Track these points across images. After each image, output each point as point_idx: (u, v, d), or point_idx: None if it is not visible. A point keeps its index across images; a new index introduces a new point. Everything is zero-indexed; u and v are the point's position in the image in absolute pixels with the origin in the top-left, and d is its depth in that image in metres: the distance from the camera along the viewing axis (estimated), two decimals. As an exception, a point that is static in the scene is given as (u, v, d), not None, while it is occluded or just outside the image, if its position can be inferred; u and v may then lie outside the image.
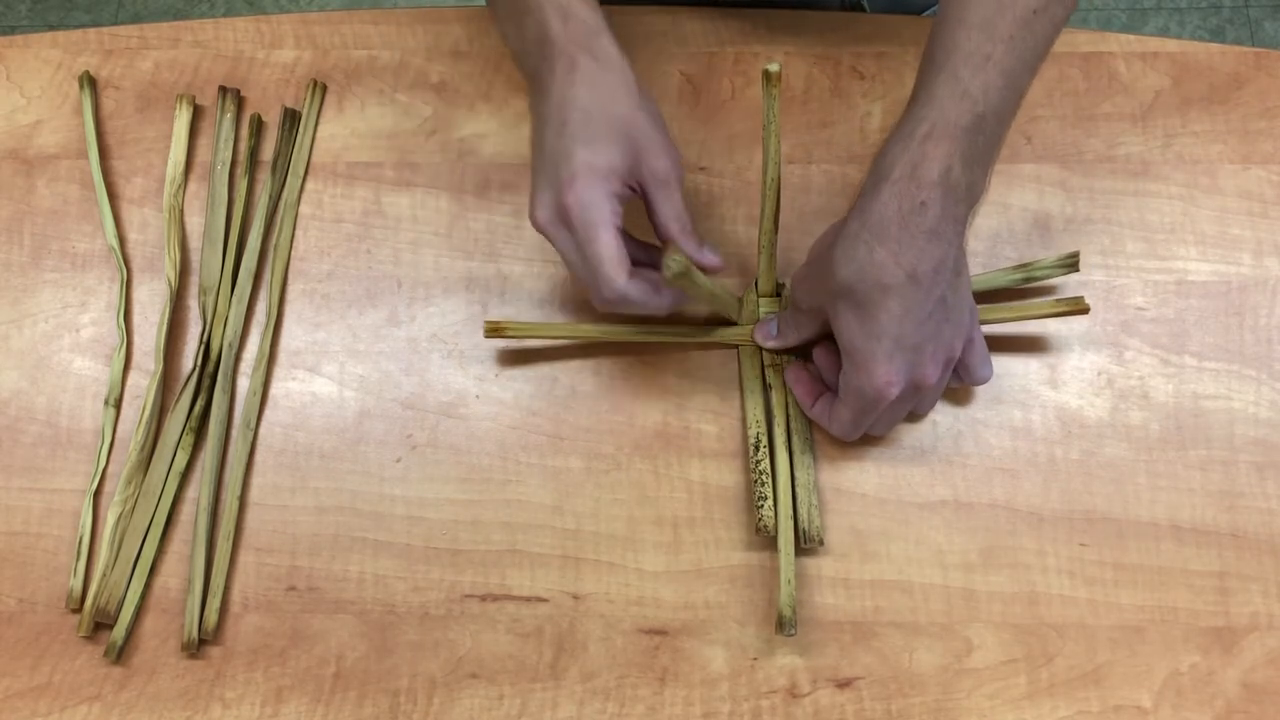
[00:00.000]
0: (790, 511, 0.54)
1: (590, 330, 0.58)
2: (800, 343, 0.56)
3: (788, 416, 0.56)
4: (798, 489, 0.55)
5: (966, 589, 0.54)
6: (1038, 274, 0.58)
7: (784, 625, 0.52)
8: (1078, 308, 0.56)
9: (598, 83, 0.50)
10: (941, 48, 0.51)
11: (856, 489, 0.56)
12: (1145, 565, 0.55)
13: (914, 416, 0.57)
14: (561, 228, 0.51)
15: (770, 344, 0.57)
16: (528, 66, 0.54)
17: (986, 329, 0.57)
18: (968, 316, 0.52)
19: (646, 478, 0.57)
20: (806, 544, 0.54)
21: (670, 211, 0.52)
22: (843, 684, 0.53)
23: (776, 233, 0.55)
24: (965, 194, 0.49)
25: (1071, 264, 0.57)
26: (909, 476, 0.56)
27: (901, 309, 0.48)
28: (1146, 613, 0.54)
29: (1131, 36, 0.64)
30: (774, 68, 0.48)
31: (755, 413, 0.56)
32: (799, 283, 0.54)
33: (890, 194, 0.48)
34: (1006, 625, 0.54)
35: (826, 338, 0.55)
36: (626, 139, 0.50)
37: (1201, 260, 0.60)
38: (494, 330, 0.58)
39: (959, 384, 0.55)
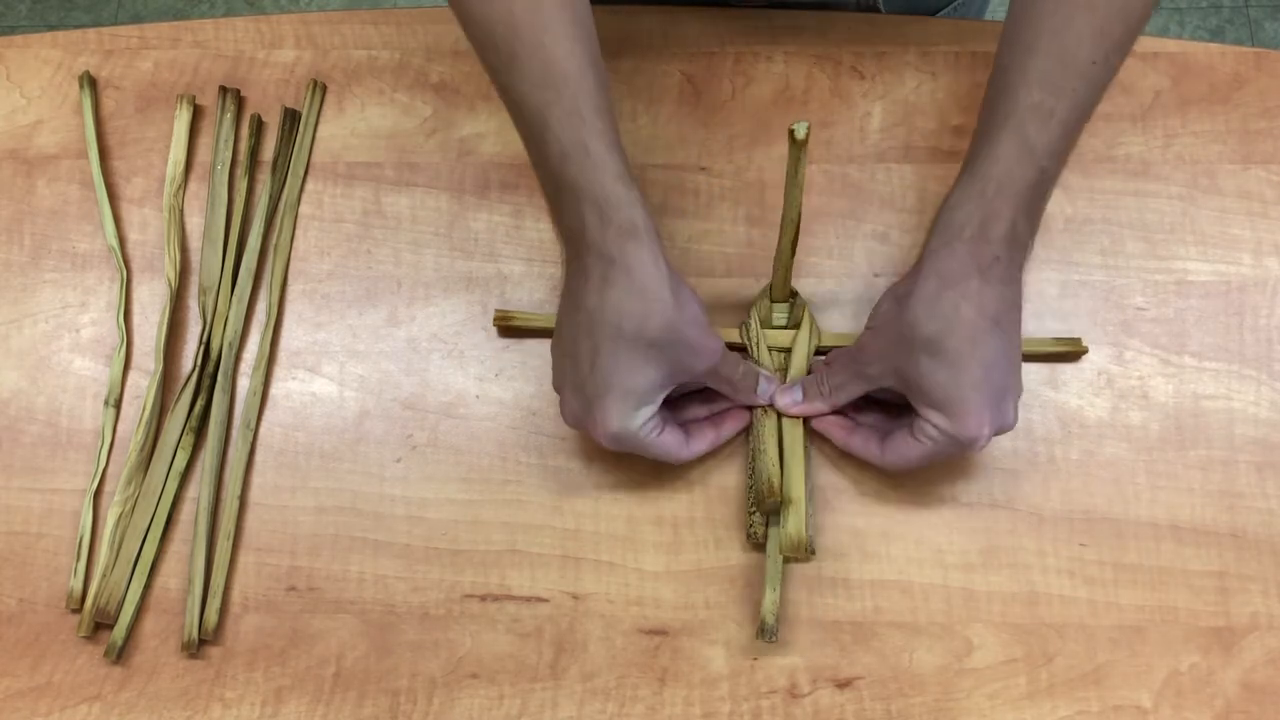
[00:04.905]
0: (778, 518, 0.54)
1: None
2: (833, 409, 0.55)
3: (779, 429, 0.56)
4: None
5: (966, 589, 0.54)
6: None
7: (765, 632, 0.52)
8: (1076, 349, 0.58)
9: (629, 303, 0.49)
10: (1003, 105, 0.52)
11: (856, 489, 0.56)
12: (1145, 565, 0.55)
13: None
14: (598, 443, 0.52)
15: (795, 411, 0.55)
16: (563, 242, 0.54)
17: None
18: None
19: (646, 478, 0.57)
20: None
21: (723, 388, 0.55)
22: (843, 684, 0.53)
23: (794, 256, 0.55)
24: (1026, 242, 0.52)
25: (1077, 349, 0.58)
26: (909, 476, 0.56)
27: (989, 357, 0.49)
28: (1146, 613, 0.54)
29: (1131, 36, 0.64)
30: (800, 133, 0.47)
31: (762, 449, 0.55)
32: (864, 349, 0.53)
33: (965, 252, 0.50)
34: (1006, 625, 0.54)
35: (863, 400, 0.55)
36: (661, 357, 0.50)
37: (1201, 260, 0.60)
38: (503, 318, 0.58)
39: None
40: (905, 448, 0.52)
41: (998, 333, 0.50)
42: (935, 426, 0.50)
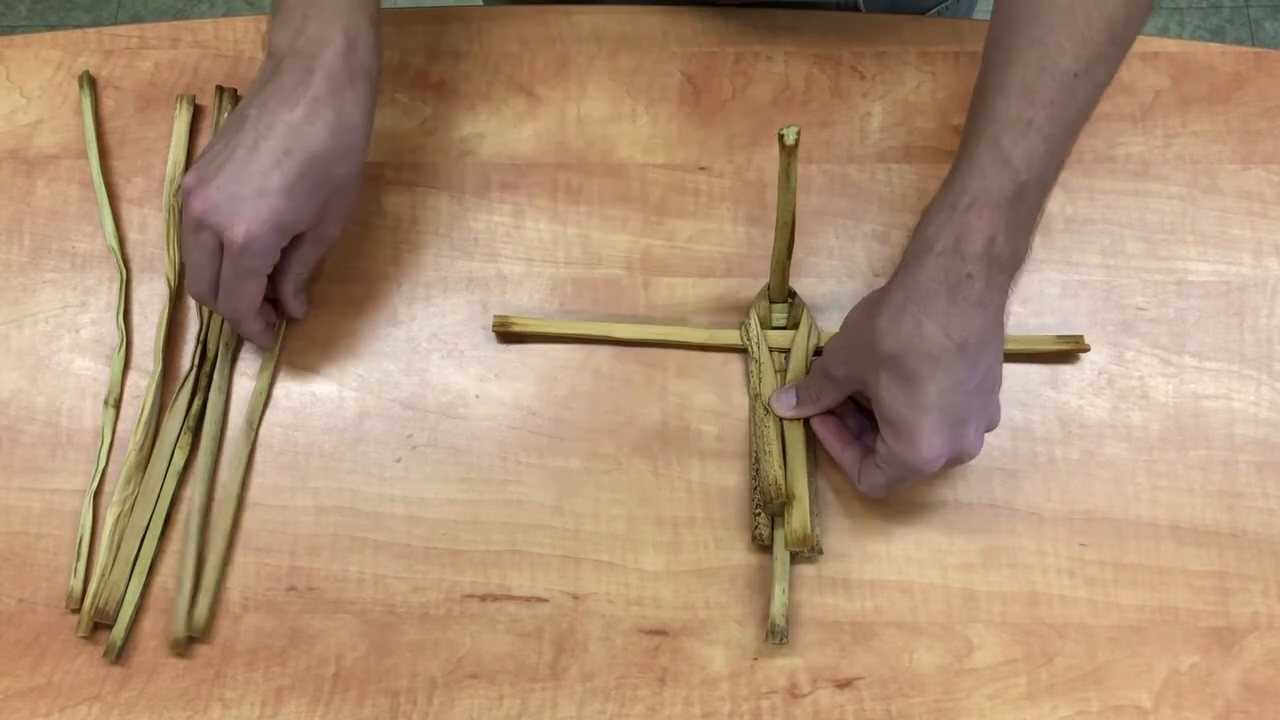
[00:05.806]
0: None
1: (595, 328, 0.59)
2: (821, 411, 0.55)
3: (781, 428, 0.56)
4: None
5: (966, 589, 0.54)
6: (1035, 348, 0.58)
7: (775, 634, 0.52)
8: (1078, 346, 0.57)
9: (330, 143, 0.51)
10: (982, 115, 0.50)
11: (857, 489, 0.56)
12: (1145, 565, 0.55)
13: None
14: (209, 235, 0.51)
15: (789, 414, 0.56)
16: (272, 50, 0.53)
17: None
18: (1001, 381, 0.52)
19: (646, 478, 0.57)
20: (808, 554, 0.54)
21: (301, 265, 0.56)
22: (843, 684, 0.53)
23: (790, 258, 0.55)
24: (1008, 263, 0.49)
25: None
26: (909, 476, 0.56)
27: (950, 381, 0.48)
28: (1146, 613, 0.54)
29: (1131, 36, 0.64)
30: (790, 138, 0.47)
31: (766, 453, 0.55)
32: (833, 353, 0.54)
33: (935, 266, 0.48)
34: (1006, 625, 0.54)
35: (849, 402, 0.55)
36: (325, 203, 0.52)
37: (1201, 260, 0.60)
38: (501, 324, 0.58)
39: None
40: (872, 473, 0.52)
41: (962, 358, 0.48)
42: (886, 445, 0.50)
